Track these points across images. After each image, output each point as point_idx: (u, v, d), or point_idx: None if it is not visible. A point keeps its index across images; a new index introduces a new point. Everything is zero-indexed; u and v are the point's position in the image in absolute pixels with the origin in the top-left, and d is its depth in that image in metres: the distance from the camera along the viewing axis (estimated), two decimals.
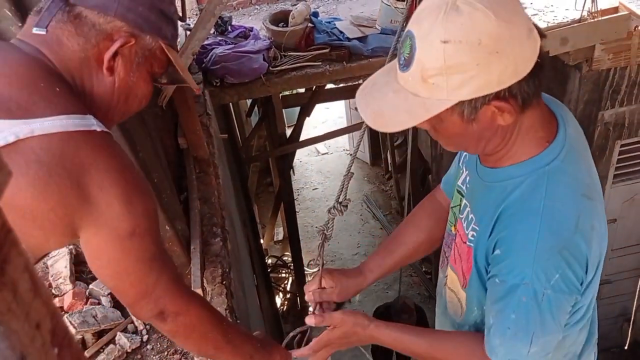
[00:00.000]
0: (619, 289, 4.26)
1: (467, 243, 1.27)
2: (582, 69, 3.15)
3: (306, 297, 1.53)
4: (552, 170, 1.09)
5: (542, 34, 1.02)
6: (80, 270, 1.95)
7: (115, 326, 1.75)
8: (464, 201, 1.32)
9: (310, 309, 1.51)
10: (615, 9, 2.92)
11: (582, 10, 2.91)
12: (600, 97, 3.31)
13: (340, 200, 1.46)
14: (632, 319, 4.47)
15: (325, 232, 1.49)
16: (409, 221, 1.63)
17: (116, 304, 1.82)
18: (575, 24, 2.88)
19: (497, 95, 0.99)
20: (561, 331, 1.14)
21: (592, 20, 2.87)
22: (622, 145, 3.60)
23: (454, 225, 1.39)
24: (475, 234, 1.23)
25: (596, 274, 1.17)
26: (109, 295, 1.82)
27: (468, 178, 1.32)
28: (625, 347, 4.33)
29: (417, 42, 0.98)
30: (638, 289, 4.41)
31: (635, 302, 4.49)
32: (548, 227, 1.06)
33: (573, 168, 1.12)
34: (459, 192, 1.37)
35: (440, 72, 0.96)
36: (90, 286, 1.84)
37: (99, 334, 1.73)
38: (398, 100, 1.05)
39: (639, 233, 4.06)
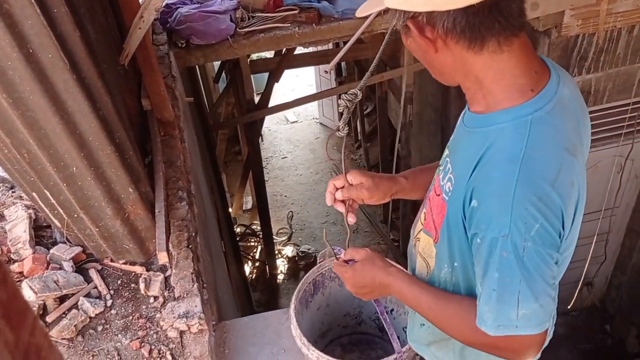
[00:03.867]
0: (580, 254, 4.34)
1: (443, 195, 1.23)
2: (552, 35, 3.15)
3: (328, 198, 1.45)
4: (535, 120, 1.06)
5: None
6: (40, 235, 1.89)
7: (78, 291, 1.70)
8: (446, 152, 1.29)
9: (342, 210, 1.44)
10: None
11: None
12: (568, 64, 3.33)
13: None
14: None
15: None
16: None
17: (78, 269, 1.77)
18: None
19: (414, 16, 1.04)
20: (552, 290, 1.09)
21: None
22: (588, 112, 3.64)
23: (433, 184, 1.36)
24: (451, 185, 1.19)
25: (572, 234, 1.14)
26: (71, 260, 1.76)
27: (455, 131, 1.30)
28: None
29: None
30: (590, 254, 4.54)
31: (599, 267, 4.63)
32: (526, 176, 1.02)
33: (559, 121, 1.08)
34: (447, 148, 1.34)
35: None
36: (51, 251, 1.79)
37: (60, 299, 1.68)
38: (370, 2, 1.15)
39: (601, 199, 4.15)
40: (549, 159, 1.05)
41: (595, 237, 4.23)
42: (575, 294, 4.25)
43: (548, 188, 1.03)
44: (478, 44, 1.04)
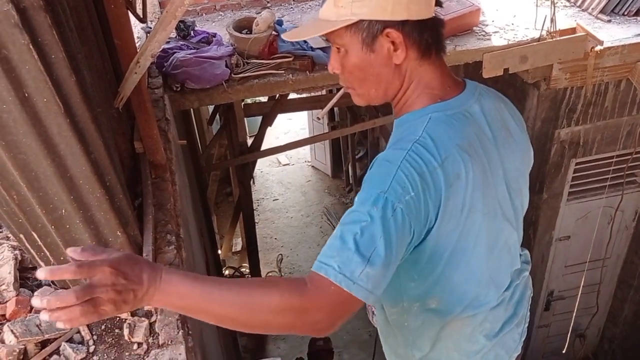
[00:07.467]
0: (572, 304, 4.35)
1: None
2: (541, 87, 3.22)
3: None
4: (435, 117, 1.21)
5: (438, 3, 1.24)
6: (25, 277, 1.86)
7: (61, 336, 1.66)
8: None
9: None
10: (573, 30, 3.00)
11: (542, 29, 2.98)
12: (557, 115, 3.39)
13: None
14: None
15: None
16: None
17: None
18: (535, 43, 2.95)
19: (392, 25, 1.17)
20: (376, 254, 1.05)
21: (551, 40, 2.94)
22: (577, 164, 3.69)
23: None
24: None
25: (451, 230, 1.20)
26: None
27: None
28: None
29: None
30: (576, 303, 4.52)
31: (590, 318, 4.60)
32: (416, 152, 1.13)
33: (459, 124, 1.22)
34: None
35: None
36: (36, 293, 1.75)
37: (42, 344, 1.64)
38: (313, 25, 1.29)
39: (591, 250, 4.15)
40: (439, 146, 1.16)
41: (581, 287, 4.20)
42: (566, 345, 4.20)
43: (432, 169, 1.13)
44: (426, 55, 1.23)
